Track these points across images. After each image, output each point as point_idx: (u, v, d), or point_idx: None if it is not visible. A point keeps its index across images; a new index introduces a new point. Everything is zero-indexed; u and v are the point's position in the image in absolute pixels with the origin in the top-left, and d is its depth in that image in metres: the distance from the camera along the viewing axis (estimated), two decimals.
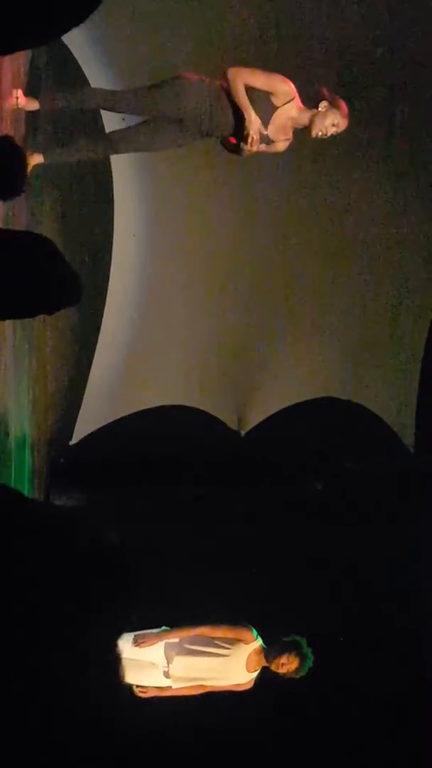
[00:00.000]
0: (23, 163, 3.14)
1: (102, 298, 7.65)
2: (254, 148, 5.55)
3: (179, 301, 7.89)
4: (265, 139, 5.58)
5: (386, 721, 7.12)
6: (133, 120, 5.81)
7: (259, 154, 5.71)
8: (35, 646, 2.05)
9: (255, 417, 8.13)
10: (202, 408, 8.00)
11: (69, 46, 6.72)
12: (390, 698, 7.16)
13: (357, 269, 7.76)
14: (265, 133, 5.55)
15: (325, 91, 5.54)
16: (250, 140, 5.47)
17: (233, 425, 8.10)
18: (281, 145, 5.66)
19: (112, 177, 7.27)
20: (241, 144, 5.54)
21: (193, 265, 7.78)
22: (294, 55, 6.67)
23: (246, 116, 5.43)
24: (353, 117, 5.66)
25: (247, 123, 5.44)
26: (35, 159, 5.65)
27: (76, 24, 2.91)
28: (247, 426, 8.13)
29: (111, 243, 7.61)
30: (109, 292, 7.68)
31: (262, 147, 5.63)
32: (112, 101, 5.69)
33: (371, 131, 7.00)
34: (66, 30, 2.96)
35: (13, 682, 2.04)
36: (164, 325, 7.94)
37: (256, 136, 5.48)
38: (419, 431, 8.01)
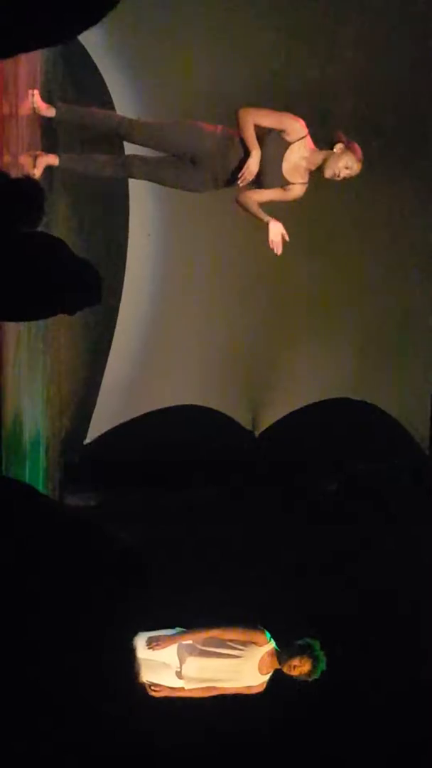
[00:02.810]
0: (42, 202, 3.18)
1: (117, 297, 7.66)
2: (247, 179, 5.55)
3: (194, 301, 7.89)
4: (281, 181, 5.61)
5: (398, 724, 7.09)
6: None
7: (279, 203, 5.76)
8: (50, 643, 2.05)
9: (269, 417, 8.12)
10: (215, 408, 7.99)
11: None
12: (404, 702, 7.13)
13: (370, 269, 7.75)
14: (281, 174, 5.58)
15: (341, 135, 5.58)
16: (244, 173, 5.48)
17: (247, 425, 8.10)
18: (298, 189, 5.69)
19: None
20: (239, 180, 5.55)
21: (209, 265, 7.78)
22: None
23: (252, 153, 5.46)
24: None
25: (249, 159, 5.46)
26: (50, 160, 5.66)
27: (90, 24, 2.91)
28: (262, 426, 8.12)
29: (126, 243, 7.61)
30: (124, 291, 7.70)
31: (279, 191, 5.67)
32: (128, 129, 5.72)
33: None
34: (80, 30, 2.96)
35: (28, 679, 2.04)
36: (179, 325, 7.94)
37: (252, 171, 5.49)
38: None
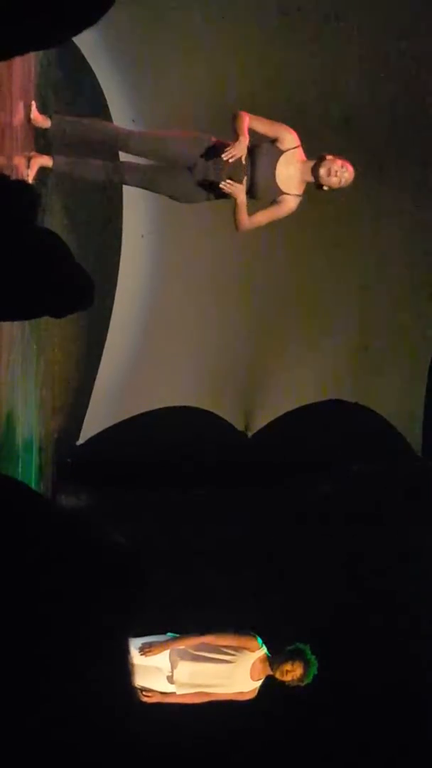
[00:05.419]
0: (37, 203, 3.17)
1: (110, 298, 7.66)
2: (229, 188, 5.54)
3: (187, 302, 7.90)
4: (276, 191, 5.62)
5: (392, 729, 7.08)
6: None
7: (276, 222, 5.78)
8: (45, 642, 2.05)
9: (262, 418, 8.13)
10: (209, 409, 8.00)
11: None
12: (396, 705, 7.13)
13: (365, 271, 7.76)
14: (276, 183, 5.59)
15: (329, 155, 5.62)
16: (229, 150, 5.47)
17: (240, 427, 8.10)
18: (292, 201, 5.68)
19: None
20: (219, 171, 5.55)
21: (202, 266, 7.79)
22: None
23: (239, 138, 5.46)
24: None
25: (235, 143, 5.46)
26: (44, 161, 5.66)
27: (86, 27, 2.90)
28: (255, 427, 8.12)
29: (120, 244, 7.62)
30: (117, 292, 7.70)
31: (274, 208, 5.67)
32: (125, 141, 5.73)
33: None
34: (75, 33, 2.96)
35: (20, 680, 2.04)
36: (172, 326, 7.95)
37: (240, 148, 5.48)
38: (426, 434, 8.00)
